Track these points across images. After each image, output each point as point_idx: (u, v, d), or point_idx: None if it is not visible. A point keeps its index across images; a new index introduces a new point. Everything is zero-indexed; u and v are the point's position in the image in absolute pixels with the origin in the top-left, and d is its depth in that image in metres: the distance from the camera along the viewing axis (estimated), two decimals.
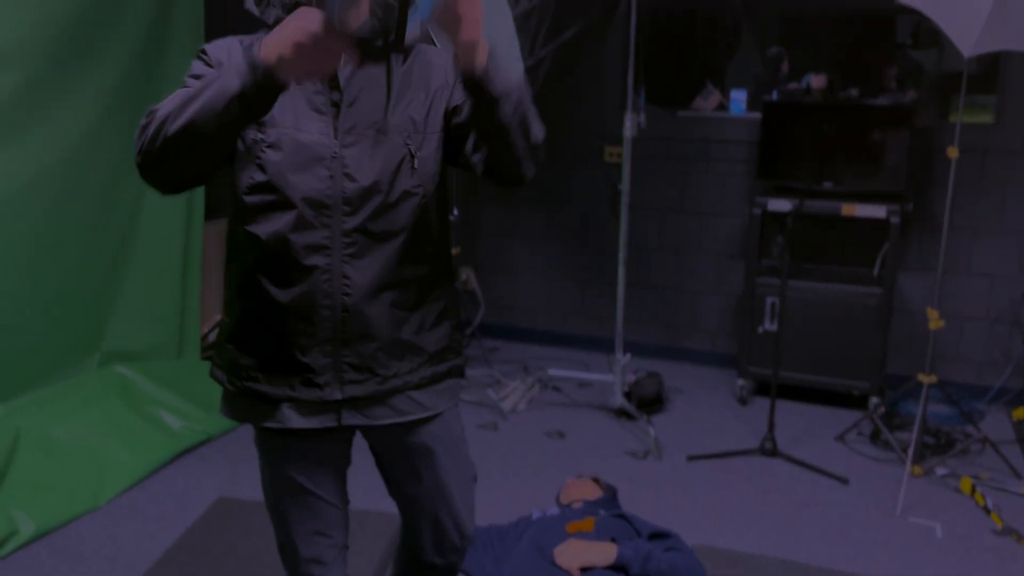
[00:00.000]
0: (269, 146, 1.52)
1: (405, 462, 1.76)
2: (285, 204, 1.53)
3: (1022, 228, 3.96)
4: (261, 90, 1.33)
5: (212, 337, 4.39)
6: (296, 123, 1.53)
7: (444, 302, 1.70)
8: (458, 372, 1.76)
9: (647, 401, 3.94)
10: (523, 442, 3.69)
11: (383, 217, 1.56)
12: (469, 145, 1.57)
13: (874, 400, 3.85)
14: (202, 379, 3.97)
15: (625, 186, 3.78)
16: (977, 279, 4.06)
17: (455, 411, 1.80)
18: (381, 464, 1.82)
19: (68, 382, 3.46)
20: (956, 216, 3.94)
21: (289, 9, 1.49)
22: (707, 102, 4.47)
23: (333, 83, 1.55)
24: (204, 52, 1.58)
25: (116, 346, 3.69)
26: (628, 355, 3.94)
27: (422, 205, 1.60)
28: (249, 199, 1.54)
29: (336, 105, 1.54)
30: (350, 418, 1.64)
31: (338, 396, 1.61)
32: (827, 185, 3.92)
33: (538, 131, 1.53)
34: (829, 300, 3.92)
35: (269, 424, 1.65)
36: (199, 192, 3.96)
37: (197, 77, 1.53)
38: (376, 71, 1.57)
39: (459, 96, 1.59)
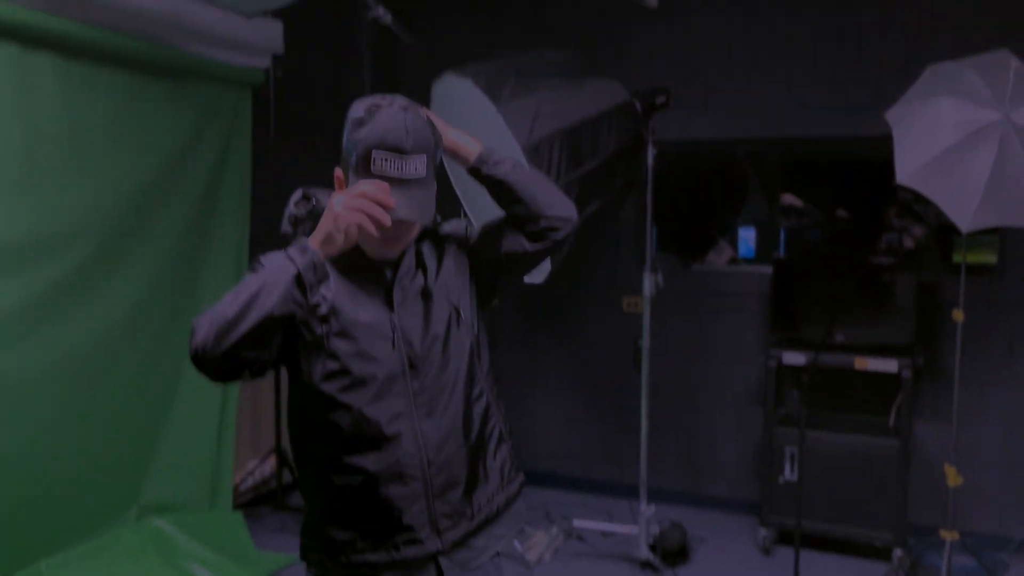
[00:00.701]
0: (336, 335, 1.68)
1: None
2: (360, 383, 1.68)
3: None
4: (314, 266, 1.57)
5: (244, 485, 4.48)
6: (355, 308, 1.70)
7: (499, 427, 1.86)
8: (522, 488, 1.91)
9: (672, 553, 3.97)
10: None
11: (444, 372, 1.74)
12: (507, 241, 1.81)
13: (898, 553, 3.87)
14: (233, 530, 4.07)
15: (645, 342, 3.93)
16: (992, 428, 4.14)
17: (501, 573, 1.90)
18: None
19: (106, 537, 3.53)
20: (967, 368, 4.04)
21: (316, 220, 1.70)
22: (720, 257, 4.70)
23: (380, 268, 1.74)
24: (259, 261, 1.69)
25: (153, 498, 3.77)
26: (652, 506, 3.99)
27: (471, 350, 1.79)
28: (325, 387, 1.68)
29: (383, 284, 1.73)
30: (449, 569, 1.75)
31: (439, 546, 1.73)
32: (839, 337, 4.05)
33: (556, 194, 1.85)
34: (846, 451, 3.99)
35: None
36: None
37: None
38: (414, 251, 1.79)
39: (474, 236, 1.85)
